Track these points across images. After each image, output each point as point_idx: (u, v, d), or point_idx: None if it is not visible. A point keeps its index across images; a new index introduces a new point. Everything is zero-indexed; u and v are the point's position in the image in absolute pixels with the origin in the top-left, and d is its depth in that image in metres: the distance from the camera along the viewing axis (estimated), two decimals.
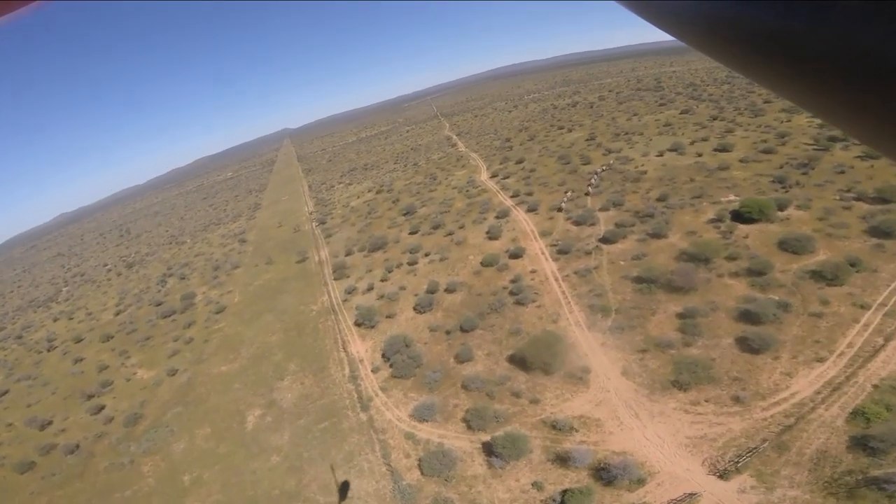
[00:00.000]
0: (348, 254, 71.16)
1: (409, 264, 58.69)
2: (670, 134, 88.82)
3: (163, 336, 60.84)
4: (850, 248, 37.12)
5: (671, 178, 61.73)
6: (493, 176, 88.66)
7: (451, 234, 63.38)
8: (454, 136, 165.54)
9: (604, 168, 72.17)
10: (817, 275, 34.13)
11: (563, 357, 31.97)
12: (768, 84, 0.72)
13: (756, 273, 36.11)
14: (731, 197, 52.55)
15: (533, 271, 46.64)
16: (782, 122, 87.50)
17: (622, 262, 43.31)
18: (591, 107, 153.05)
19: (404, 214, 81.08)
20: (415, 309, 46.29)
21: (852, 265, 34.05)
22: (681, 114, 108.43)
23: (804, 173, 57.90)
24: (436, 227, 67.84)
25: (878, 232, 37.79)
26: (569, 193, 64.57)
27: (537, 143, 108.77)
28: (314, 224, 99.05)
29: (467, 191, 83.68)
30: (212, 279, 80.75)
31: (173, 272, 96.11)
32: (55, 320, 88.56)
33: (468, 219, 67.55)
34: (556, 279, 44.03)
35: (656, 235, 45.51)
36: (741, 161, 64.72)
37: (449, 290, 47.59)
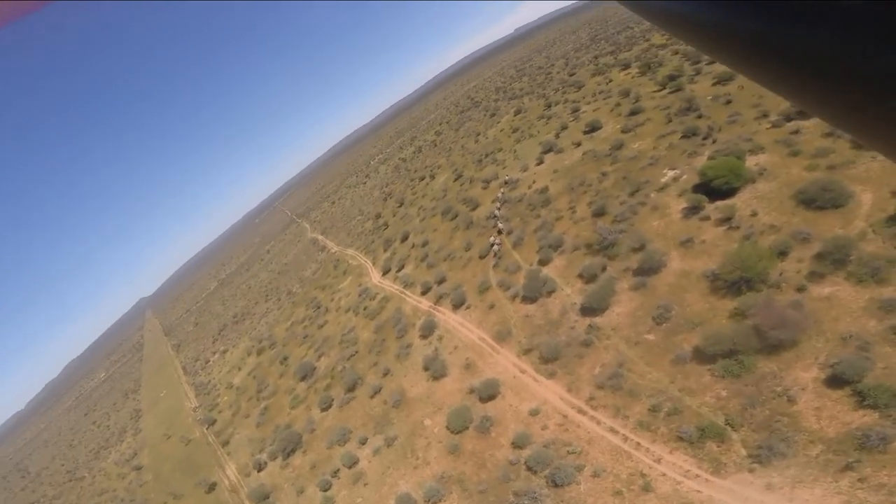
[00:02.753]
0: (260, 468, 48.28)
1: (349, 467, 38.12)
2: (528, 137, 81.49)
3: None
4: None
5: (581, 183, 50.76)
6: (386, 272, 71.43)
7: (377, 392, 44.00)
8: (320, 237, 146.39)
9: (498, 206, 59.63)
10: None
11: None
12: (768, 84, 0.72)
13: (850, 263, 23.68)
14: (669, 173, 42.40)
15: (534, 413, 29.69)
16: (607, 83, 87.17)
17: (649, 337, 28.59)
18: (435, 145, 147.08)
19: (302, 379, 59.27)
20: None
21: None
22: (516, 115, 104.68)
23: (699, 116, 51.50)
24: (352, 388, 47.80)
25: None
26: (494, 256, 49.79)
27: (411, 206, 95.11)
28: (204, 427, 72.48)
29: (365, 308, 64.95)
30: None
31: None
32: None
33: (388, 356, 48.78)
34: (582, 412, 27.63)
35: (651, 270, 31.97)
36: (626, 132, 57.23)
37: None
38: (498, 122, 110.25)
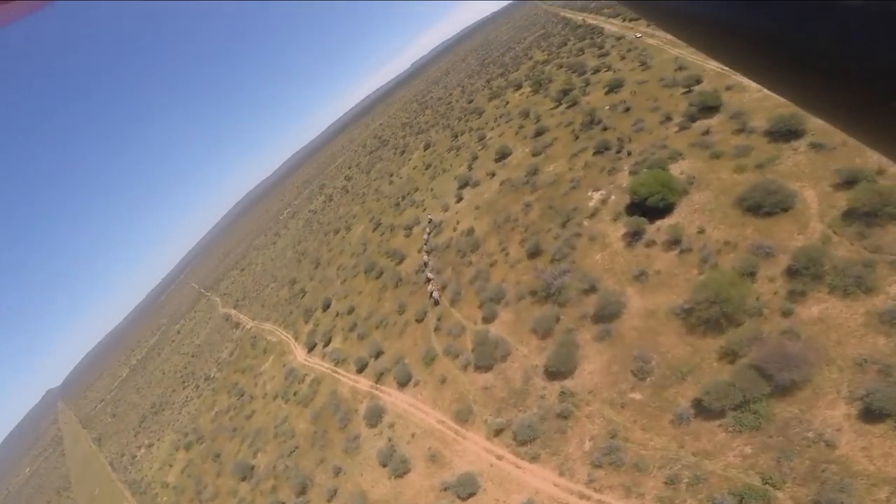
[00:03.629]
0: None
1: None
2: (442, 172, 77.82)
3: None
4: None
5: (507, 219, 46.81)
6: (311, 348, 62.05)
7: (333, 495, 35.36)
8: (233, 311, 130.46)
9: (426, 258, 53.89)
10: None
11: None
12: (768, 84, 0.72)
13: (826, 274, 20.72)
14: (595, 195, 39.58)
15: None
16: (505, 105, 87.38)
17: (635, 396, 23.86)
18: (347, 191, 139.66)
19: (243, 479, 48.46)
20: None
21: None
22: (426, 150, 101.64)
23: (605, 129, 50.45)
24: (303, 490, 38.54)
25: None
26: (435, 306, 43.55)
27: (329, 266, 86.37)
28: None
29: (295, 393, 55.27)
30: None
31: None
32: None
33: (334, 450, 40.26)
34: (585, 497, 22.05)
35: (612, 315, 27.67)
36: (536, 155, 55.04)
37: None
38: (409, 160, 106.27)
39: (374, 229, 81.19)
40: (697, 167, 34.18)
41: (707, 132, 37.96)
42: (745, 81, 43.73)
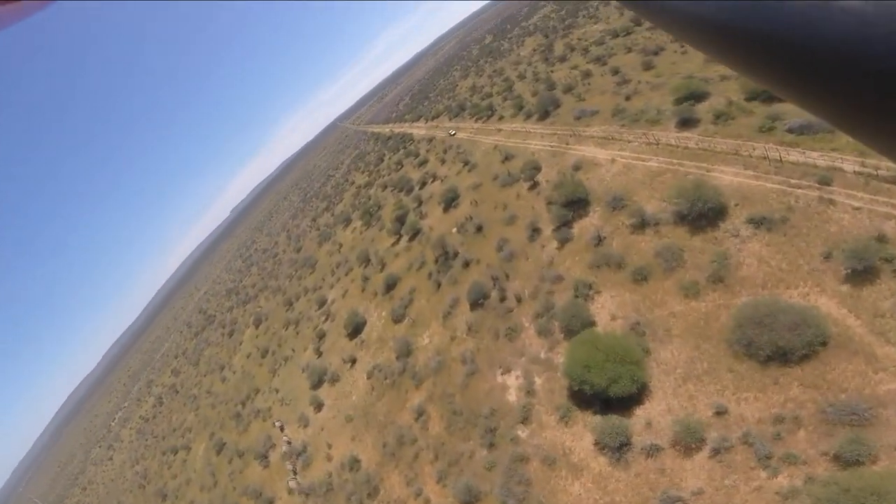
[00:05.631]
0: None
1: None
2: (284, 362, 59.17)
3: None
4: None
5: (400, 439, 31.40)
6: None
7: None
8: None
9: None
10: None
11: None
12: (768, 84, 0.72)
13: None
14: (511, 381, 26.75)
15: None
16: (338, 249, 75.25)
17: None
18: (177, 391, 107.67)
19: None
20: None
21: None
22: (258, 327, 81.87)
23: (467, 263, 40.14)
24: None
25: None
26: None
27: (178, 502, 56.74)
28: None
29: None
30: None
31: None
32: None
33: None
34: None
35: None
36: (398, 321, 41.82)
37: None
38: (240, 343, 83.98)
39: (219, 452, 56.60)
40: (630, 303, 24.03)
41: (599, 240, 29.15)
42: (593, 152, 38.50)
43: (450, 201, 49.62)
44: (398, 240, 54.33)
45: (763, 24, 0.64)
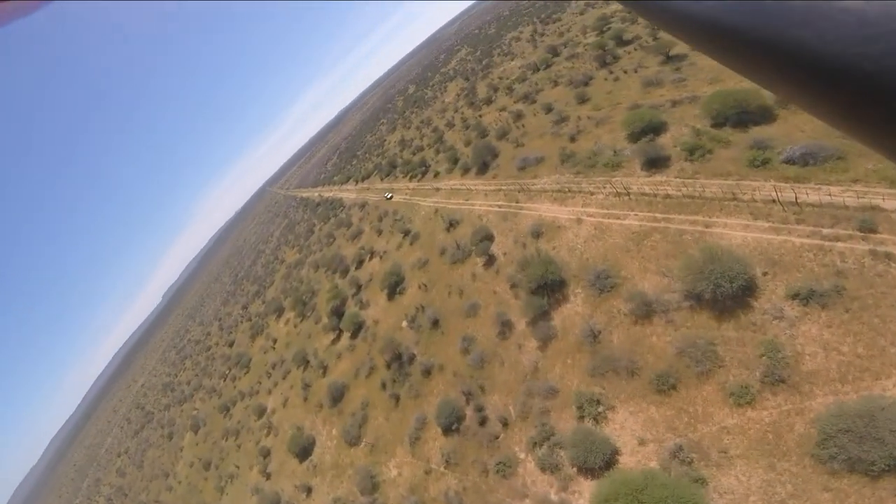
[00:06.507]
0: None
1: None
2: (230, 480, 47.46)
3: None
4: None
5: None
6: None
7: None
8: None
9: None
10: None
11: None
12: (768, 84, 0.72)
13: None
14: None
15: None
16: (273, 345, 64.38)
17: None
18: (125, 494, 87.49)
19: None
20: None
21: None
22: (197, 434, 68.01)
23: (427, 370, 31.68)
24: None
25: None
26: None
27: None
28: None
29: None
30: None
31: None
32: None
33: None
34: None
35: None
36: (353, 444, 32.48)
37: None
38: (181, 449, 69.57)
39: None
40: (662, 421, 16.95)
41: (594, 336, 21.94)
42: (552, 210, 31.96)
43: (394, 286, 41.37)
44: (338, 336, 44.95)
45: (763, 23, 0.64)
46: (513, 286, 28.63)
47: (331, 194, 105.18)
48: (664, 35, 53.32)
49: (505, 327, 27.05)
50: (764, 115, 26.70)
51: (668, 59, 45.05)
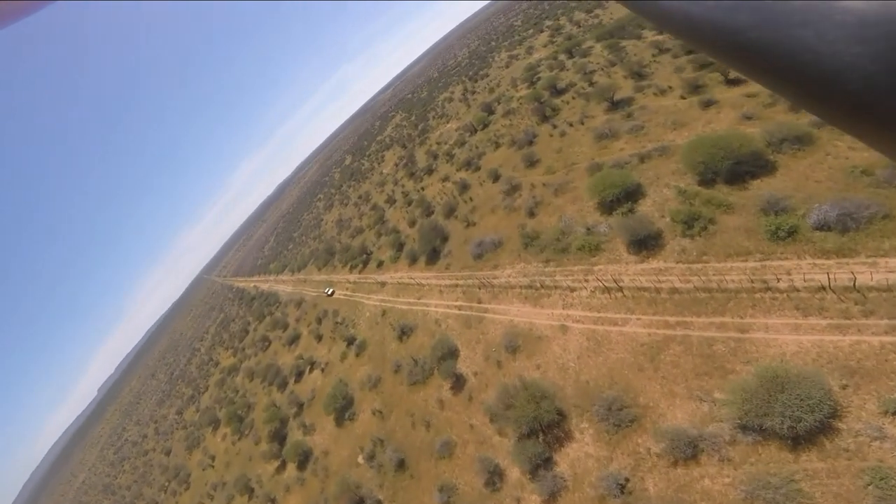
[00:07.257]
0: None
1: None
2: None
3: None
4: None
5: None
6: None
7: None
8: None
9: None
10: None
11: None
12: (768, 84, 0.72)
13: None
14: None
15: None
16: (211, 463, 51.97)
17: None
18: None
19: None
20: None
21: None
22: None
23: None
24: None
25: None
26: None
27: None
28: None
29: None
30: None
31: None
32: None
33: None
34: None
35: None
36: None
37: None
38: None
39: None
40: None
41: (621, 488, 15.04)
42: (524, 313, 25.55)
43: (342, 410, 32.79)
44: (283, 465, 35.12)
45: (763, 23, 0.64)
46: (493, 419, 21.38)
47: (266, 286, 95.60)
48: (600, 79, 51.43)
49: (493, 476, 19.48)
50: (761, 165, 22.41)
51: (614, 104, 42.17)
